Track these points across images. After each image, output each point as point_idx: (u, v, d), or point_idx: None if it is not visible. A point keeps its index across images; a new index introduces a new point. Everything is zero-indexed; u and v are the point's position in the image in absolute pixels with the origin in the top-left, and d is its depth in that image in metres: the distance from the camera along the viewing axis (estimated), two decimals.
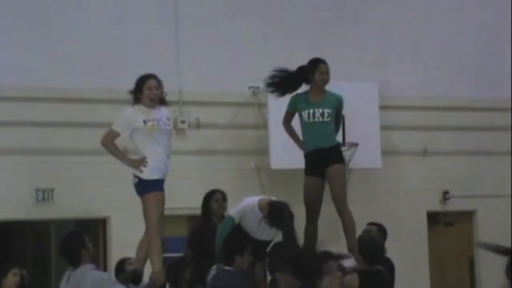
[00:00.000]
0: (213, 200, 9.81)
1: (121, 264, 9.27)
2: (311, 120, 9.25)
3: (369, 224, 9.86)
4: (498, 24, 14.94)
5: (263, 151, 13.02)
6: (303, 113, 9.26)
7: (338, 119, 9.52)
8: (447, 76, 14.63)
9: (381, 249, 8.60)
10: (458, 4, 14.85)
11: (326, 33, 13.72)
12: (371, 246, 8.46)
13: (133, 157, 8.50)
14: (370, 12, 14.23)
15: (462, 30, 14.81)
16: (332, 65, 12.09)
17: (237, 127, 13.25)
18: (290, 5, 13.78)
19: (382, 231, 9.79)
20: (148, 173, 8.42)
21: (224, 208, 9.91)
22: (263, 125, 13.09)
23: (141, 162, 8.42)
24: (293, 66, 12.86)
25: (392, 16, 14.35)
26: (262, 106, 13.19)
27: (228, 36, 13.37)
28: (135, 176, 8.46)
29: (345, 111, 12.06)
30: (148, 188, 8.44)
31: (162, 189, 8.49)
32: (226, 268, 8.41)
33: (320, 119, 9.27)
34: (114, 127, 8.55)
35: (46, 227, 13.80)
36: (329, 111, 9.26)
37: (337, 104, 9.41)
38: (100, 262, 12.02)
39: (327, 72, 9.33)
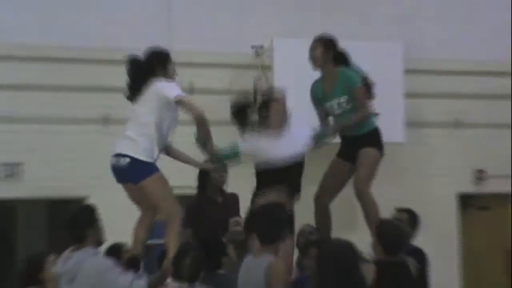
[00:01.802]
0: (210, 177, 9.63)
1: (113, 250, 8.97)
2: (335, 113, 9.40)
3: (398, 210, 9.80)
4: None
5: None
6: (326, 106, 9.43)
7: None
8: (484, 37, 14.27)
9: (405, 238, 8.46)
10: None
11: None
12: (393, 234, 8.30)
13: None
14: None
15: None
16: (352, 23, 13.11)
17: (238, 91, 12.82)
18: None
19: (413, 218, 9.79)
20: (148, 155, 8.44)
21: (224, 179, 9.82)
22: None
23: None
24: (304, 23, 13.19)
25: None
26: (266, 68, 13.01)
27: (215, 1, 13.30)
28: (124, 156, 8.36)
29: None
30: (152, 169, 8.43)
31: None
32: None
33: (341, 110, 9.33)
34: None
35: (13, 207, 13.81)
36: (346, 97, 9.24)
37: (349, 84, 9.31)
38: None
39: None
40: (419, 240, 9.71)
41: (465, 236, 14.13)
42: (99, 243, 8.43)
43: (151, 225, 8.77)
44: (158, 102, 8.38)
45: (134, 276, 8.14)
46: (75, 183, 12.39)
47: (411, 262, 8.61)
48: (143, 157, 8.36)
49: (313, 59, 9.45)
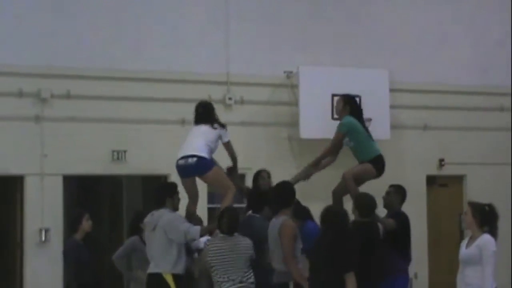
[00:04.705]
0: (260, 177, 9.59)
1: None
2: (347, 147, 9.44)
3: (390, 186, 9.74)
4: (486, 24, 14.64)
5: (294, 123, 12.90)
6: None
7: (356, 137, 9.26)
8: (444, 66, 14.25)
9: (374, 205, 8.53)
10: (452, 7, 14.51)
11: (350, 29, 13.60)
12: (364, 202, 8.45)
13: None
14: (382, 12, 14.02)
15: (457, 29, 14.47)
16: (355, 55, 13.00)
17: (274, 104, 13.05)
18: (319, 4, 13.60)
19: (399, 190, 9.68)
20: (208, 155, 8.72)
21: (269, 183, 9.62)
22: (295, 102, 12.96)
23: None
24: (317, 57, 13.07)
25: (401, 16, 14.13)
26: (294, 87, 13.06)
27: (268, 31, 13.21)
28: (193, 156, 8.48)
29: (362, 93, 12.36)
30: (212, 164, 8.66)
31: None
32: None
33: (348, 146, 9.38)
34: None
35: (119, 181, 13.74)
36: (346, 138, 9.19)
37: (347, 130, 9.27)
38: None
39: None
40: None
41: (431, 204, 14.14)
42: (175, 209, 8.48)
43: (195, 209, 8.97)
44: (217, 135, 8.73)
45: (191, 224, 8.31)
46: (161, 165, 12.14)
47: (388, 221, 8.83)
48: (206, 155, 8.57)
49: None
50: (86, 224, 9.15)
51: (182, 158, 8.62)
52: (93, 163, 12.06)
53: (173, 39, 12.65)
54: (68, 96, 11.99)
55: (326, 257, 7.37)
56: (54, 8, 12.05)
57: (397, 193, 9.60)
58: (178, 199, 8.51)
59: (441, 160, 14.16)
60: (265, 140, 12.72)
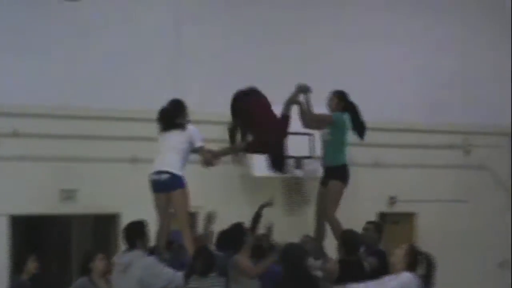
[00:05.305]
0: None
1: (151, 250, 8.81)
2: (323, 139, 9.41)
3: (367, 223, 9.82)
4: (439, 63, 14.75)
5: (247, 161, 12.66)
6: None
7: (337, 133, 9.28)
8: (395, 104, 14.30)
9: (358, 243, 8.61)
10: (405, 47, 14.56)
11: (302, 68, 13.36)
12: (351, 240, 8.48)
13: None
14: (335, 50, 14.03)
15: (409, 68, 14.52)
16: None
17: (226, 142, 12.30)
18: (274, 43, 13.61)
19: (378, 228, 9.79)
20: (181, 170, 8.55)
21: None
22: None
23: None
24: (269, 96, 12.82)
25: (354, 56, 14.12)
26: None
27: (220, 70, 13.10)
28: (166, 172, 8.29)
29: (313, 130, 11.81)
30: (183, 183, 8.46)
31: None
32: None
33: (324, 138, 9.33)
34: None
35: (69, 221, 13.50)
36: (328, 130, 9.18)
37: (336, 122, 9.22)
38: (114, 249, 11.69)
39: None
40: None
41: (383, 242, 13.87)
42: (145, 248, 8.29)
43: (168, 231, 8.71)
44: (190, 139, 8.66)
45: (173, 271, 8.00)
46: (112, 203, 12.08)
47: (370, 260, 8.81)
48: (179, 172, 8.40)
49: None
50: (31, 266, 8.98)
51: (155, 173, 8.47)
52: (42, 202, 11.80)
53: (123, 76, 12.47)
54: (15, 134, 11.78)
55: None
56: (0, 46, 11.93)
57: (376, 230, 9.71)
58: (147, 239, 8.31)
59: (392, 198, 14.17)
60: (218, 178, 12.40)
